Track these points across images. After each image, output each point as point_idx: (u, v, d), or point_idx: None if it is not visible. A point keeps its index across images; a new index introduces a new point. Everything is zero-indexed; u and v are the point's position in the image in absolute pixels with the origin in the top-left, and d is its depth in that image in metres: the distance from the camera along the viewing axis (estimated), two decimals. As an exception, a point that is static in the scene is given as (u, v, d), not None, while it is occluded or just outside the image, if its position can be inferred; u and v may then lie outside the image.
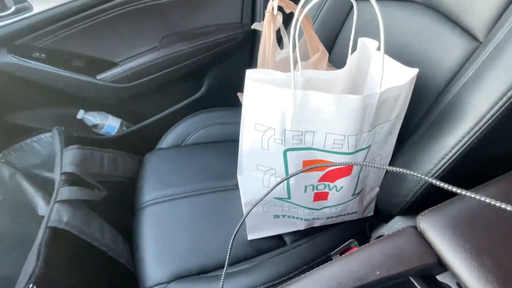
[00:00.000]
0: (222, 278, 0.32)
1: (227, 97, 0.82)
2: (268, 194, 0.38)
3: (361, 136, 0.36)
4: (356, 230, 0.55)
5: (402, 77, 0.36)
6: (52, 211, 0.45)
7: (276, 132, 0.37)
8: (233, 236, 0.38)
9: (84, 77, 0.69)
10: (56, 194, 0.47)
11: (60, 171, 0.50)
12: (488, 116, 0.30)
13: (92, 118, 0.80)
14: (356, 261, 0.29)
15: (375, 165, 0.31)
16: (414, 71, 0.36)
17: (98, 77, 0.70)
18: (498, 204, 0.23)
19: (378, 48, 0.42)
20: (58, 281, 0.40)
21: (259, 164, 0.43)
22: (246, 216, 0.38)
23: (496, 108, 0.30)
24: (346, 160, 0.38)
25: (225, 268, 0.34)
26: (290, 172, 0.42)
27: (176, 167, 0.66)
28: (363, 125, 0.35)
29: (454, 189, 0.26)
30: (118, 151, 0.66)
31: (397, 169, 0.29)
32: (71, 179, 0.50)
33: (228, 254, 0.38)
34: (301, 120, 0.35)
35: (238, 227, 0.38)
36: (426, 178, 0.28)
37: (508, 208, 0.22)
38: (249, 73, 0.39)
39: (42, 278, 0.38)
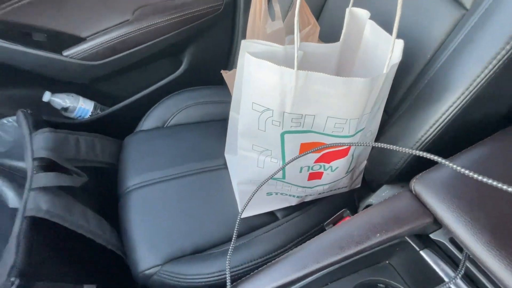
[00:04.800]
0: (229, 252, 0.32)
1: (209, 75, 0.78)
2: (261, 186, 0.37)
3: (362, 118, 0.35)
4: (346, 201, 0.57)
5: (394, 50, 0.36)
6: (28, 199, 0.41)
7: (275, 114, 0.35)
8: (238, 218, 0.37)
9: (47, 54, 0.62)
10: (31, 181, 0.42)
11: (32, 157, 0.45)
12: (478, 79, 0.31)
13: (60, 100, 0.72)
14: (357, 226, 0.30)
15: (370, 143, 0.31)
16: (401, 43, 0.35)
17: (64, 53, 0.63)
18: (470, 173, 0.24)
19: (370, 18, 0.41)
20: (43, 272, 0.37)
21: (254, 144, 0.41)
22: (246, 204, 0.37)
23: (486, 71, 0.31)
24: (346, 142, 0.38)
25: (232, 242, 0.33)
26: (286, 154, 0.41)
27: (159, 149, 0.63)
28: (366, 107, 0.34)
29: (434, 158, 0.26)
30: (95, 134, 0.62)
31: (386, 145, 0.30)
32: (45, 165, 0.46)
33: (235, 230, 0.37)
34: (302, 103, 0.33)
35: (242, 209, 0.37)
36: (410, 151, 0.29)
37: (475, 176, 0.23)
38: (245, 44, 0.36)
39: (25, 270, 0.35)
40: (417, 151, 0.28)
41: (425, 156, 0.27)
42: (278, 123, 0.36)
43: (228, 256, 0.32)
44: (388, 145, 0.30)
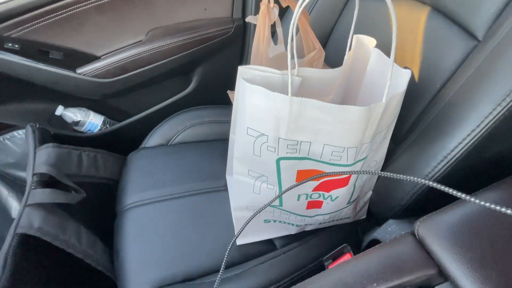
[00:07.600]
0: (216, 285, 0.30)
1: (217, 94, 0.79)
2: (258, 213, 0.36)
3: (361, 147, 0.34)
4: (349, 233, 0.54)
5: (400, 80, 0.34)
6: (22, 215, 0.41)
7: (269, 139, 0.34)
8: (228, 248, 0.35)
9: (62, 71, 0.64)
10: (27, 197, 0.43)
11: (33, 172, 0.46)
12: (490, 117, 0.29)
13: (72, 114, 0.75)
14: (352, 272, 0.27)
15: (374, 172, 0.29)
16: (408, 73, 0.34)
17: (78, 71, 0.66)
18: (502, 209, 0.21)
19: (376, 46, 0.40)
20: (26, 292, 0.37)
21: (250, 169, 0.40)
22: (240, 231, 0.35)
23: (498, 108, 0.28)
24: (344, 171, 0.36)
25: (220, 273, 0.31)
26: (283, 181, 0.39)
27: (161, 168, 0.63)
28: (364, 136, 0.32)
29: (458, 194, 0.24)
30: (99, 150, 0.62)
31: (396, 175, 0.28)
32: (45, 181, 0.46)
33: (223, 263, 0.35)
34: (297, 129, 0.32)
35: (235, 238, 0.36)
36: (425, 181, 0.26)
37: (509, 211, 0.21)
38: (242, 71, 0.36)
39: (8, 289, 0.35)
40: (430, 182, 0.26)
41: (439, 188, 0.25)
42: (273, 148, 0.35)
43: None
44: (392, 174, 0.28)
